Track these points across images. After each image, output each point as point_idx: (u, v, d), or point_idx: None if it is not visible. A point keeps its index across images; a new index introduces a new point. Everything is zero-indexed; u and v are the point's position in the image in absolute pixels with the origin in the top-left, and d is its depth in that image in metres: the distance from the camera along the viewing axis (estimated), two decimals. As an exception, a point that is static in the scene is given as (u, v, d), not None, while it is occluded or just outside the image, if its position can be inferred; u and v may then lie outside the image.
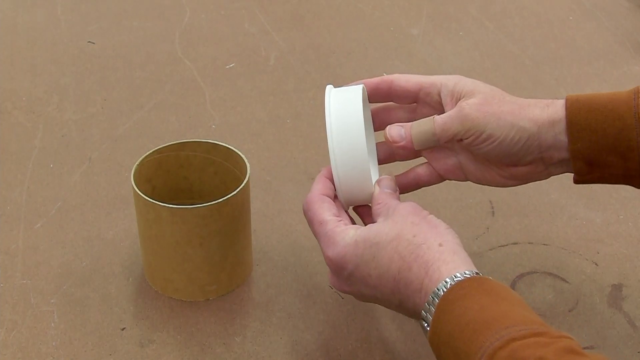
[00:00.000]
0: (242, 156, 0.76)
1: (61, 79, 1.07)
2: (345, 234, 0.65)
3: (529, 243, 0.83)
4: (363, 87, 0.70)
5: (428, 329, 0.59)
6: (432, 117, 0.69)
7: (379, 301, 0.65)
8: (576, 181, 0.69)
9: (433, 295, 0.59)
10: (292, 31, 1.18)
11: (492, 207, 0.87)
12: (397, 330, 0.74)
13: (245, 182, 0.73)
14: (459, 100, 0.68)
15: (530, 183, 0.90)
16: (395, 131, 0.69)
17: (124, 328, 0.73)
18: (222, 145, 0.77)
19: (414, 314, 0.62)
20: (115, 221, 0.84)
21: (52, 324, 0.73)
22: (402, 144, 0.69)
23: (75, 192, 0.88)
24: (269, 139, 0.97)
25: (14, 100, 1.02)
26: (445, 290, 0.58)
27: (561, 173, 0.70)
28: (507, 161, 0.69)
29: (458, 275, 0.59)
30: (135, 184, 0.72)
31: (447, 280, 0.59)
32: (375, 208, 0.68)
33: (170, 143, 0.78)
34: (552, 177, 0.93)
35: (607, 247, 0.82)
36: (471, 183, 0.90)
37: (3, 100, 1.02)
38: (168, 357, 0.70)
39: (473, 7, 1.25)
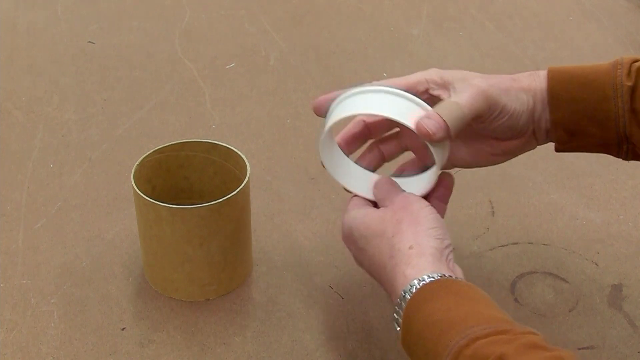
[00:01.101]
0: (242, 156, 0.76)
1: (61, 79, 1.07)
2: (349, 212, 0.68)
3: (529, 243, 0.83)
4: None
5: (399, 330, 0.60)
6: (451, 102, 0.66)
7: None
8: (557, 149, 0.71)
9: (400, 299, 0.60)
10: (292, 31, 1.18)
11: (492, 207, 0.87)
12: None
13: (245, 182, 0.73)
14: (455, 86, 0.67)
15: (530, 183, 0.90)
16: (432, 124, 0.64)
17: (124, 328, 0.73)
18: (222, 145, 0.78)
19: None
20: (115, 221, 0.84)
21: (52, 324, 0.73)
22: (441, 134, 0.64)
23: (75, 192, 0.88)
24: (269, 139, 0.97)
25: (14, 100, 1.02)
26: (411, 293, 0.59)
27: (545, 143, 0.71)
28: (509, 135, 0.69)
29: (425, 278, 0.60)
30: (135, 184, 0.72)
31: (414, 282, 0.60)
32: (375, 192, 0.69)
33: (170, 143, 0.78)
34: (552, 177, 0.93)
35: (607, 247, 0.82)
36: (471, 183, 0.90)
37: (3, 100, 1.02)
38: (168, 357, 0.70)
39: (473, 7, 1.25)
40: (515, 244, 0.82)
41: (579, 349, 0.71)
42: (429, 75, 0.69)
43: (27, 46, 1.14)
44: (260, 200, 0.86)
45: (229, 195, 0.71)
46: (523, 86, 0.68)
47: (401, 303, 0.60)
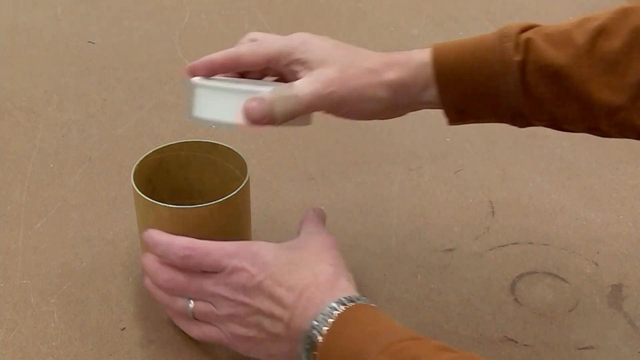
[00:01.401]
0: (242, 156, 0.76)
1: (61, 79, 1.07)
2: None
3: (529, 243, 0.83)
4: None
5: None
6: (290, 93, 0.65)
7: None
8: (449, 124, 0.70)
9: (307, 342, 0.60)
10: (292, 31, 1.18)
11: (492, 207, 0.87)
12: (397, 330, 0.74)
13: (245, 182, 0.72)
14: (312, 68, 0.67)
15: (530, 183, 0.90)
16: (256, 110, 0.64)
17: (124, 328, 0.73)
18: (222, 145, 0.77)
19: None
20: (115, 221, 0.84)
21: (52, 324, 0.73)
22: (264, 122, 0.64)
23: (75, 192, 0.88)
24: (269, 139, 0.97)
25: (14, 100, 1.02)
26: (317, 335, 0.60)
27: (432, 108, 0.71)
28: (372, 117, 0.69)
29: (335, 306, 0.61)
30: (135, 184, 0.72)
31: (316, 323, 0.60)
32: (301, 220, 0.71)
33: (170, 143, 0.78)
34: (552, 177, 0.93)
35: (607, 247, 0.82)
36: (471, 183, 0.90)
37: (3, 100, 1.02)
38: (168, 357, 0.70)
39: (473, 7, 1.25)
40: (515, 244, 0.82)
41: (579, 349, 0.71)
42: (292, 49, 0.68)
43: (27, 46, 1.14)
44: (260, 200, 0.86)
45: (229, 195, 0.71)
46: (386, 81, 0.67)
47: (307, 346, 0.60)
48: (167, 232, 0.71)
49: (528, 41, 0.65)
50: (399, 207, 0.87)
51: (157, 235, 0.67)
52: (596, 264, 0.80)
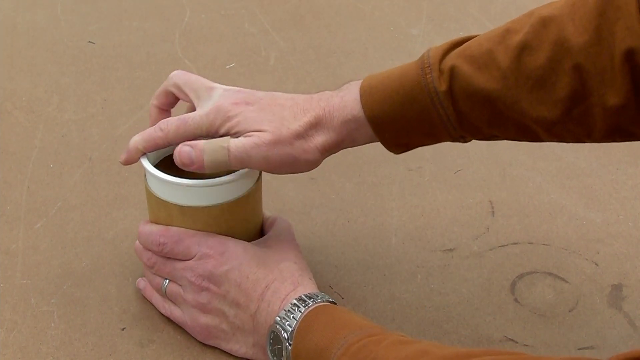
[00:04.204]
0: None
1: (61, 79, 1.07)
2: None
3: (529, 243, 0.83)
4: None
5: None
6: (225, 145, 0.66)
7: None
8: (396, 154, 0.70)
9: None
10: (292, 31, 1.18)
11: (492, 207, 0.87)
12: (398, 329, 0.74)
13: (256, 181, 0.72)
14: (245, 134, 0.67)
15: (530, 183, 0.90)
16: (186, 155, 0.66)
17: (124, 328, 0.73)
18: None
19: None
20: (115, 221, 0.84)
21: (52, 324, 0.73)
22: (193, 167, 0.67)
23: (75, 192, 0.88)
24: (269, 139, 0.96)
25: (14, 100, 1.02)
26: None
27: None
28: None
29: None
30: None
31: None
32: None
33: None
34: (552, 177, 0.93)
35: (607, 247, 0.82)
36: (471, 183, 0.90)
37: (3, 100, 1.02)
38: (168, 357, 0.70)
39: (473, 7, 1.25)
40: (515, 244, 0.82)
41: (579, 349, 0.71)
42: (218, 125, 0.68)
43: (27, 46, 1.14)
44: (260, 200, 0.86)
45: (241, 195, 0.70)
46: (316, 145, 0.67)
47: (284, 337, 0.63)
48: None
49: (452, 69, 0.64)
50: (399, 207, 0.87)
51: (141, 226, 0.71)
52: (596, 264, 0.80)
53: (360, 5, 1.25)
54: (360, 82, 0.69)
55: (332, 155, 0.70)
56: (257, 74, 1.08)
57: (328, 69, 1.10)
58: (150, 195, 0.71)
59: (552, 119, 0.63)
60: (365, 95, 0.67)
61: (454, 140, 0.68)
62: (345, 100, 0.68)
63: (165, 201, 0.69)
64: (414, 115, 0.66)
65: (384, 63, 1.11)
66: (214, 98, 0.69)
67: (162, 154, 0.74)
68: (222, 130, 0.68)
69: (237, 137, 0.67)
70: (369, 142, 0.70)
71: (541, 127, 0.64)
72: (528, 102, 0.63)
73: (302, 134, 0.67)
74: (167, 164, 0.72)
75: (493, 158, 0.94)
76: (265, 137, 0.66)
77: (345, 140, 0.68)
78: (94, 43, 1.14)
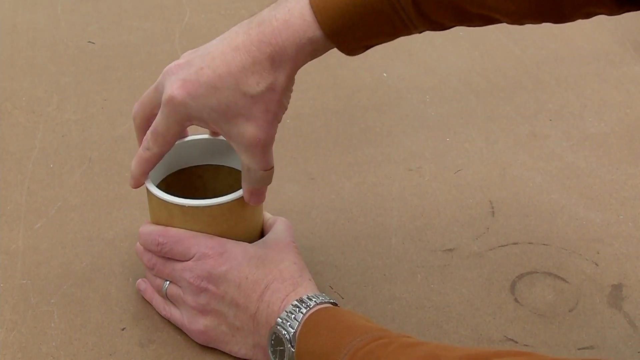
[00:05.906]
0: None
1: (61, 79, 1.07)
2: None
3: (529, 243, 0.83)
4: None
5: None
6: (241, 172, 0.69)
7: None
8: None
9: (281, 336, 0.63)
10: (292, 31, 1.18)
11: (492, 207, 0.87)
12: (398, 329, 0.74)
13: None
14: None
15: (530, 183, 0.90)
16: (254, 199, 0.70)
17: (124, 328, 0.73)
18: None
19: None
20: (115, 221, 0.84)
21: (52, 324, 0.73)
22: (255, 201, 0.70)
23: (75, 192, 0.88)
24: (269, 139, 0.96)
25: (14, 100, 1.02)
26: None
27: None
28: None
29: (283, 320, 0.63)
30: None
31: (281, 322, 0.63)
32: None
33: (184, 140, 0.77)
34: (552, 177, 0.93)
35: (607, 247, 0.82)
36: (471, 183, 0.90)
37: (3, 100, 1.02)
38: (168, 357, 0.70)
39: (473, 7, 1.25)
40: (515, 244, 0.82)
41: (579, 349, 0.71)
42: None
43: (27, 46, 1.14)
44: (260, 200, 0.86)
45: (242, 195, 0.70)
46: (281, 85, 0.67)
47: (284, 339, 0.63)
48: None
49: None
50: (399, 207, 0.87)
51: (142, 227, 0.71)
52: (596, 264, 0.80)
53: (360, 5, 1.25)
54: None
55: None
56: (257, 74, 1.08)
57: (328, 69, 1.10)
58: (151, 195, 0.71)
59: (522, 12, 0.61)
60: (321, 12, 0.62)
61: (409, 34, 0.65)
62: (290, 23, 0.63)
63: (166, 201, 0.69)
64: (374, 22, 0.62)
65: (384, 63, 1.11)
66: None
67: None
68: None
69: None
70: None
71: (510, 20, 0.63)
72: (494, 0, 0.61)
73: (265, 94, 0.66)
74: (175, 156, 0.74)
75: (493, 158, 0.94)
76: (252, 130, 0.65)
77: (300, 65, 0.67)
78: (94, 43, 1.14)
